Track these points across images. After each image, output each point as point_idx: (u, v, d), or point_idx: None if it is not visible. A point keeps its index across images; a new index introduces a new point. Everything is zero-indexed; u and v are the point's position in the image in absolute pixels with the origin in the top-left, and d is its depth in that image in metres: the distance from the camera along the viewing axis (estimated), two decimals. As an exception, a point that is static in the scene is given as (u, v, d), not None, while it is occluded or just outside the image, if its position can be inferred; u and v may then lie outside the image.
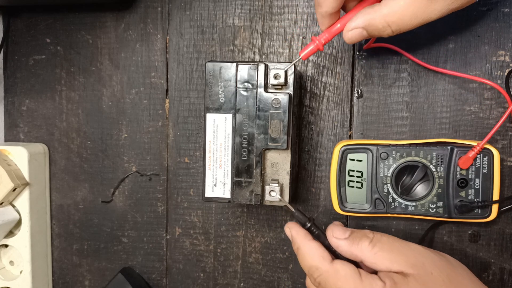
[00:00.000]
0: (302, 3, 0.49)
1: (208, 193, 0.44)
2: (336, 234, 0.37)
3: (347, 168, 0.46)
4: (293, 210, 0.40)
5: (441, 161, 0.44)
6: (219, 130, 0.43)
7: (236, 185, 0.42)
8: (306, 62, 0.50)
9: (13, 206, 0.53)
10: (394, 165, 0.44)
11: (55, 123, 0.56)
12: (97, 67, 0.54)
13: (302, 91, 0.50)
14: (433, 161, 0.44)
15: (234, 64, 0.42)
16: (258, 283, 0.53)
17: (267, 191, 0.42)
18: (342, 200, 0.46)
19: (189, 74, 0.52)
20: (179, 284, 0.55)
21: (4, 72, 0.57)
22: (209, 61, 0.42)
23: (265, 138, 0.42)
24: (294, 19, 0.50)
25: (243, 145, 0.42)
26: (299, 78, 0.48)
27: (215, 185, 0.43)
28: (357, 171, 0.45)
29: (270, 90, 0.42)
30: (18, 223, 0.54)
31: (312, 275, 0.36)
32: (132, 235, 0.55)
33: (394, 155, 0.44)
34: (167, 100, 0.53)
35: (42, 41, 0.55)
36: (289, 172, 0.43)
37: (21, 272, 0.54)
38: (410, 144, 0.44)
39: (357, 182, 0.45)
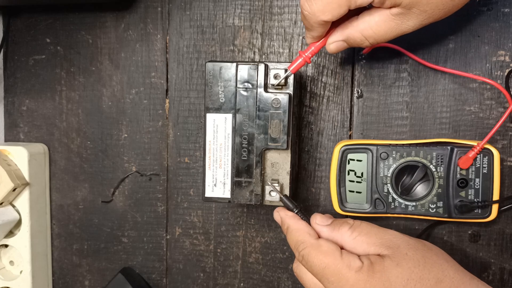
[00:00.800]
0: (302, 3, 0.49)
1: (208, 193, 0.44)
2: (319, 221, 0.39)
3: (347, 168, 0.46)
4: (281, 196, 0.41)
5: (441, 161, 0.44)
6: (219, 130, 0.43)
7: (236, 185, 0.42)
8: (306, 62, 0.50)
9: (13, 206, 0.53)
10: (394, 165, 0.44)
11: (55, 123, 0.56)
12: (97, 67, 0.54)
13: (302, 91, 0.50)
14: (433, 161, 0.44)
15: (234, 64, 0.42)
16: (258, 283, 0.53)
17: (267, 191, 0.42)
18: (342, 200, 0.46)
19: (189, 74, 0.52)
20: (179, 284, 0.55)
21: (4, 72, 0.57)
22: (209, 61, 0.42)
23: (265, 138, 0.42)
24: (294, 19, 0.50)
25: (243, 145, 0.42)
26: (299, 78, 0.48)
27: (215, 185, 0.44)
28: (357, 171, 0.45)
29: (270, 90, 0.42)
30: (18, 223, 0.54)
31: (297, 249, 0.38)
32: (132, 235, 0.55)
33: (394, 155, 0.44)
34: (167, 100, 0.53)
35: (42, 41, 0.55)
36: (289, 172, 0.43)
37: (21, 272, 0.54)
38: (410, 144, 0.44)
39: (357, 182, 0.45)
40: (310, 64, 0.50)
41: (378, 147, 0.45)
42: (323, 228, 0.38)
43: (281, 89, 0.42)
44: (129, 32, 0.53)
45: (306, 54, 0.40)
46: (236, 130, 0.42)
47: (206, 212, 0.53)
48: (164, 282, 0.55)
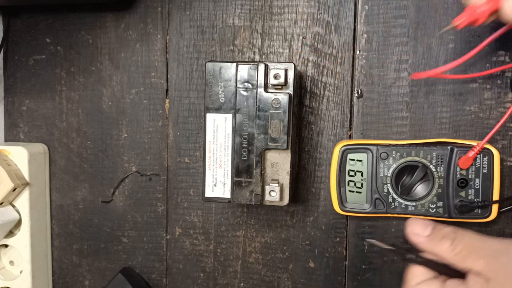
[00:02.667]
0: (302, 3, 0.49)
1: (208, 193, 0.44)
2: (417, 231, 0.38)
3: (347, 168, 0.46)
4: (388, 247, 0.40)
5: (441, 161, 0.44)
6: (219, 130, 0.43)
7: (236, 185, 0.42)
8: (306, 62, 0.50)
9: (13, 206, 0.53)
10: (394, 165, 0.44)
11: (55, 123, 0.56)
12: (97, 67, 0.54)
13: (302, 91, 0.50)
14: (433, 161, 0.44)
15: (234, 64, 0.42)
16: (258, 283, 0.53)
17: (267, 191, 0.42)
18: (342, 200, 0.46)
19: (189, 74, 0.52)
20: (179, 284, 0.55)
21: (4, 72, 0.57)
22: (209, 61, 0.42)
23: (265, 138, 0.42)
24: (294, 19, 0.50)
25: (243, 145, 0.42)
26: (299, 78, 0.48)
27: (215, 185, 0.44)
28: (357, 171, 0.45)
29: (270, 90, 0.42)
30: (18, 223, 0.54)
31: None
32: (132, 235, 0.55)
33: (394, 155, 0.44)
34: (167, 100, 0.53)
35: (42, 41, 0.55)
36: (289, 172, 0.43)
37: (21, 272, 0.54)
38: (410, 144, 0.44)
39: (357, 182, 0.45)
40: (310, 64, 0.50)
41: (378, 147, 0.45)
42: (421, 239, 0.38)
43: (281, 89, 0.42)
44: (129, 32, 0.53)
45: (480, 10, 0.32)
46: (236, 130, 0.42)
47: (206, 212, 0.53)
48: (164, 282, 0.55)
